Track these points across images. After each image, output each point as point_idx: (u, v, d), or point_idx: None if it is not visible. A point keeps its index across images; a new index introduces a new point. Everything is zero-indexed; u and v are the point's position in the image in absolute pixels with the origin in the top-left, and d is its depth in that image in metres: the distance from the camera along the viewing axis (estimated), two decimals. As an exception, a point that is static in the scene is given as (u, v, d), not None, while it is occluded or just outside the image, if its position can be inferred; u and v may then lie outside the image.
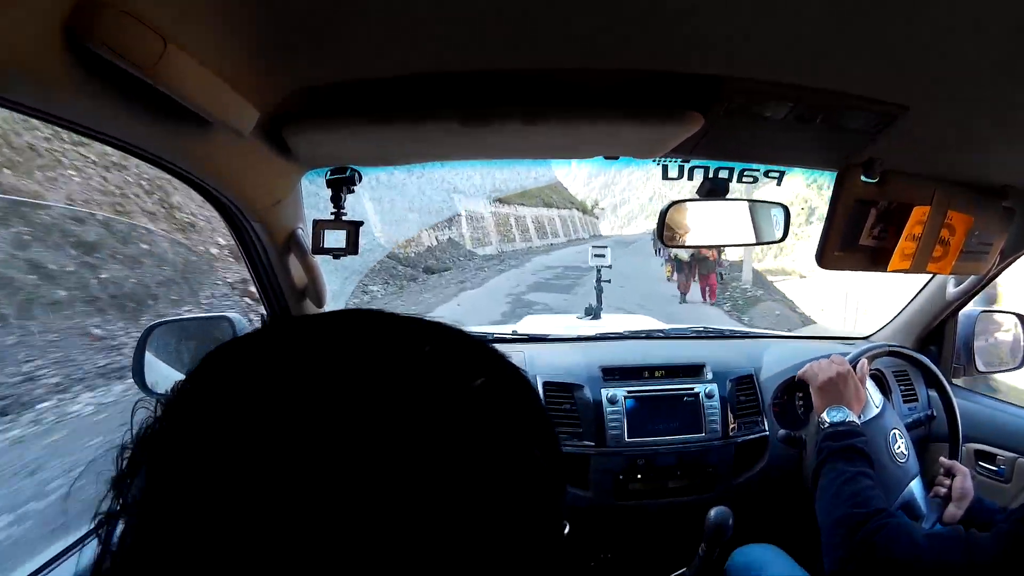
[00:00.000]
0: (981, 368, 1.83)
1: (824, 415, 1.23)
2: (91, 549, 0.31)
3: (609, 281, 3.70)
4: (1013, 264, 1.57)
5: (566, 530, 0.37)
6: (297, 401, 0.30)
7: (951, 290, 1.70)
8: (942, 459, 1.37)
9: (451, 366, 0.34)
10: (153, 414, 0.33)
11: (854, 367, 1.34)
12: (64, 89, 0.56)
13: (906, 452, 1.36)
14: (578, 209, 42.38)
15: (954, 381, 1.79)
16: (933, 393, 1.73)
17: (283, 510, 0.27)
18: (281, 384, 0.30)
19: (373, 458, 0.28)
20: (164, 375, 1.34)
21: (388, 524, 0.27)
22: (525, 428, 0.35)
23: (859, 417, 1.23)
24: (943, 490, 1.31)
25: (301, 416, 0.29)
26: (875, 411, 1.34)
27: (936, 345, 1.83)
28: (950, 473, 1.31)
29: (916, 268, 1.24)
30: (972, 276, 1.62)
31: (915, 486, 1.34)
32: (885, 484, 1.26)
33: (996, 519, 1.19)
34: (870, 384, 1.38)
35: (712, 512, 1.28)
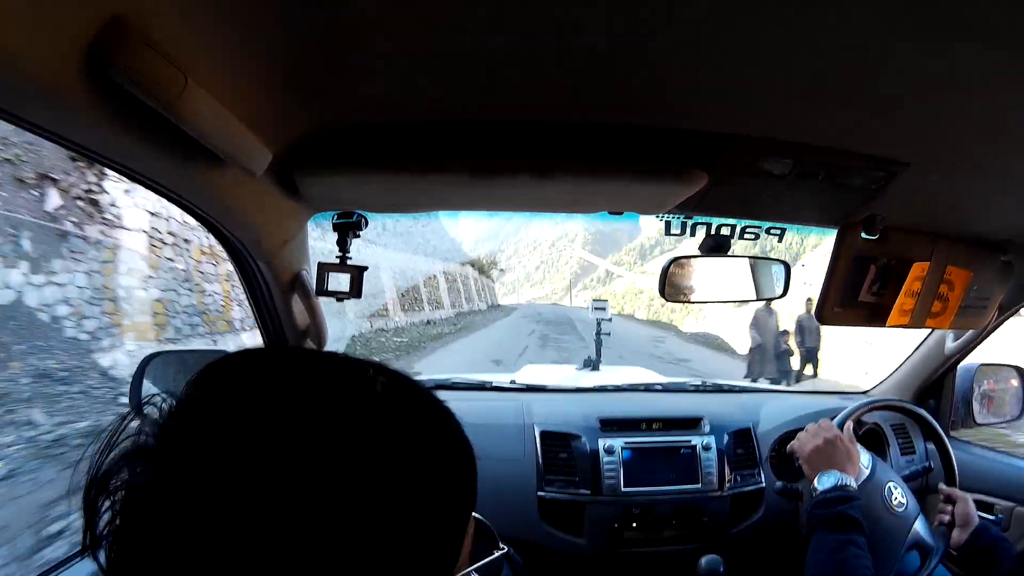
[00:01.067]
0: (980, 420, 1.82)
1: (815, 482, 1.21)
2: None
3: (608, 334, 3.74)
4: (1012, 317, 1.58)
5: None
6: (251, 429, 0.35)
7: (950, 344, 1.70)
8: (941, 486, 1.37)
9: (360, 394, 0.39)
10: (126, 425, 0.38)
11: (841, 428, 1.33)
12: (81, 113, 0.55)
13: (904, 500, 1.35)
14: (474, 268, 39.28)
15: (952, 434, 1.78)
16: (931, 446, 1.71)
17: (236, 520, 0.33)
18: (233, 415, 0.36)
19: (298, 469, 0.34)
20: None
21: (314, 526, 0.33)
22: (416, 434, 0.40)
23: (855, 480, 1.22)
24: (946, 518, 1.31)
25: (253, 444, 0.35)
26: (866, 472, 1.33)
27: (935, 398, 1.83)
28: (950, 500, 1.31)
29: (915, 324, 1.25)
30: (971, 331, 1.63)
31: (919, 526, 1.32)
32: (889, 535, 1.26)
33: (1001, 554, 1.19)
34: (859, 445, 1.37)
35: (703, 560, 1.26)
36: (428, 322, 21.78)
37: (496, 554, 0.54)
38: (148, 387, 1.32)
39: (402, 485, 0.37)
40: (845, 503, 1.13)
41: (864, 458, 1.33)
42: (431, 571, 0.39)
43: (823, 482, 1.19)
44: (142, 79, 0.52)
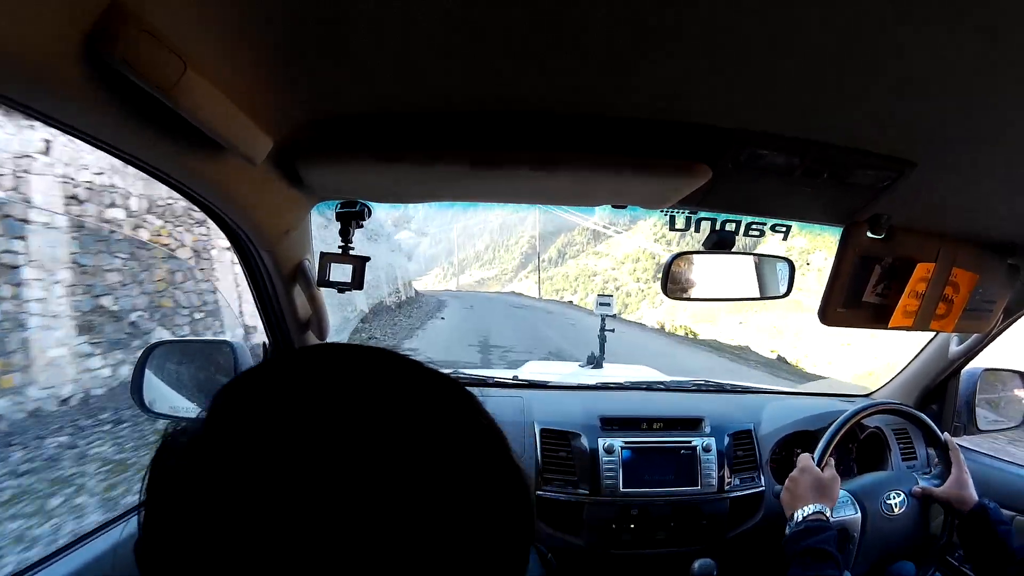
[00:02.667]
0: (983, 427, 1.81)
1: (795, 515, 1.21)
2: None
3: (612, 331, 3.72)
4: (1017, 322, 1.57)
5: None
6: (304, 434, 0.34)
7: (954, 348, 1.69)
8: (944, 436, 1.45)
9: (418, 401, 0.38)
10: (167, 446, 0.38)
11: (822, 457, 1.33)
12: (80, 99, 0.55)
13: (898, 506, 1.35)
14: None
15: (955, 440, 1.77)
16: (932, 451, 1.71)
17: (296, 529, 0.31)
18: (289, 420, 0.35)
19: (367, 480, 0.33)
20: (162, 394, 1.34)
21: (388, 527, 0.32)
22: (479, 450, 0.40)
23: (831, 510, 1.21)
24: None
25: (308, 445, 0.33)
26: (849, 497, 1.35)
27: (938, 403, 1.82)
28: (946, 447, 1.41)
29: (919, 326, 1.24)
30: (975, 334, 1.62)
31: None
32: (885, 541, 1.30)
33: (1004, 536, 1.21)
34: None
35: (696, 564, 1.26)
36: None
37: None
38: (150, 378, 1.33)
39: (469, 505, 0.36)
40: (812, 535, 1.13)
41: (843, 489, 1.33)
42: None
43: (793, 519, 1.20)
44: (140, 66, 0.52)
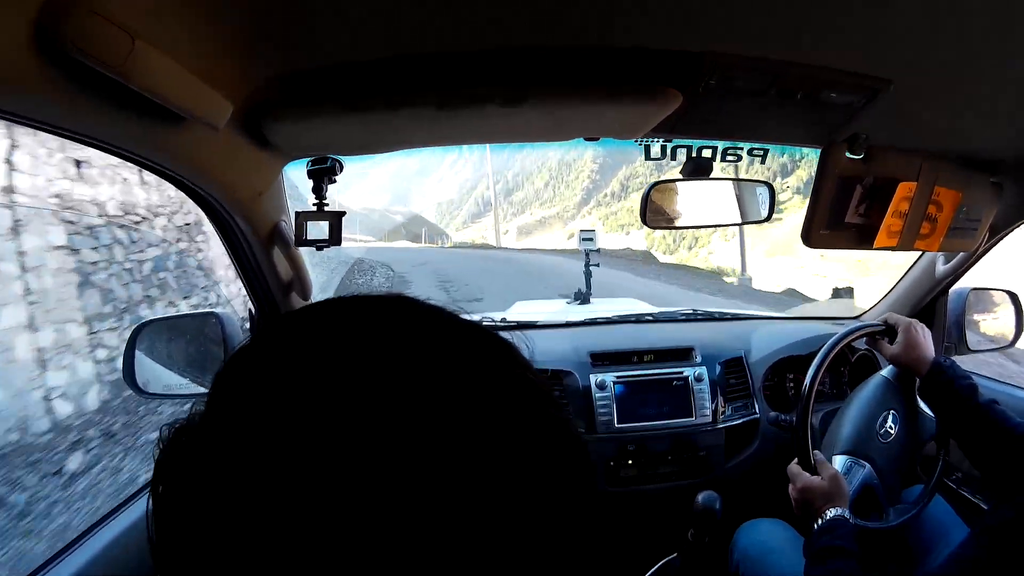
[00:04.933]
0: (973, 346, 1.82)
1: (815, 526, 1.17)
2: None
3: (598, 265, 3.70)
4: (1003, 239, 1.56)
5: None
6: (320, 410, 0.30)
7: (940, 267, 1.69)
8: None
9: (456, 355, 0.34)
10: (172, 435, 0.34)
11: (815, 467, 1.27)
12: (35, 90, 0.55)
13: (892, 425, 1.35)
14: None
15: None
16: None
17: (316, 512, 0.27)
18: (301, 397, 0.30)
19: (397, 456, 0.28)
20: (155, 374, 1.35)
21: (430, 510, 0.28)
22: (537, 406, 0.35)
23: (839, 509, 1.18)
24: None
25: (326, 423, 0.29)
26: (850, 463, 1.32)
27: (927, 323, 1.83)
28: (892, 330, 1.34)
29: (903, 245, 1.24)
30: (961, 253, 1.62)
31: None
32: (893, 462, 1.30)
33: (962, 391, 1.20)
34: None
35: (700, 496, 1.27)
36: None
37: None
38: (141, 359, 1.33)
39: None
40: (826, 534, 1.12)
41: (839, 461, 1.30)
42: None
43: (814, 530, 1.17)
44: (89, 46, 0.52)
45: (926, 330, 1.33)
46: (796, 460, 1.26)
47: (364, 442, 0.28)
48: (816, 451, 1.27)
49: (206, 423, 0.33)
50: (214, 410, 0.33)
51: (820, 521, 1.15)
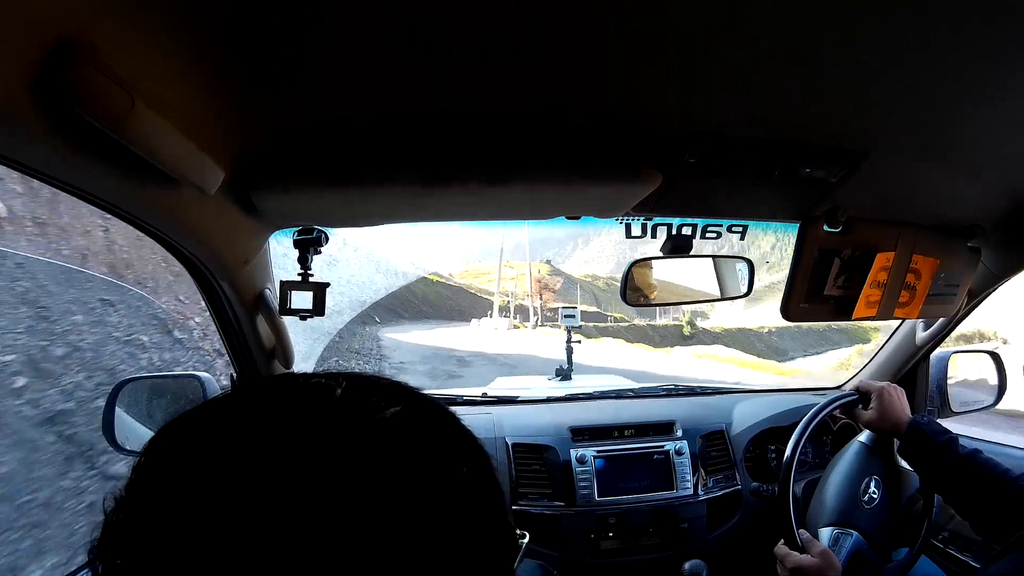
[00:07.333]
0: (956, 409, 1.81)
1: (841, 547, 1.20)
2: None
3: (579, 342, 3.70)
4: (982, 304, 1.58)
5: (524, 540, 0.44)
6: (249, 470, 0.32)
7: (920, 334, 1.71)
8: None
9: (365, 408, 0.37)
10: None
11: (794, 456, 1.30)
12: (30, 136, 0.55)
13: (874, 489, 1.34)
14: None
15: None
16: None
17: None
18: (234, 455, 0.33)
19: (318, 506, 0.31)
20: (133, 432, 1.33)
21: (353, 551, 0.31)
22: (447, 450, 0.39)
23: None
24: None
25: (253, 482, 0.32)
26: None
27: (909, 390, 1.83)
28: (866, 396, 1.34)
29: (883, 315, 1.25)
30: (941, 318, 1.64)
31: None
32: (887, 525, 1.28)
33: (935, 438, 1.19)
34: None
35: (687, 565, 1.24)
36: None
37: None
38: (120, 415, 1.31)
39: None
40: None
41: (825, 534, 1.30)
42: None
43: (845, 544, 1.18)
44: (89, 101, 0.52)
45: (900, 391, 1.33)
46: (782, 541, 1.24)
47: (267, 524, 0.31)
48: (802, 530, 1.25)
49: (131, 496, 0.34)
50: (138, 484, 0.35)
51: (850, 540, 1.14)
